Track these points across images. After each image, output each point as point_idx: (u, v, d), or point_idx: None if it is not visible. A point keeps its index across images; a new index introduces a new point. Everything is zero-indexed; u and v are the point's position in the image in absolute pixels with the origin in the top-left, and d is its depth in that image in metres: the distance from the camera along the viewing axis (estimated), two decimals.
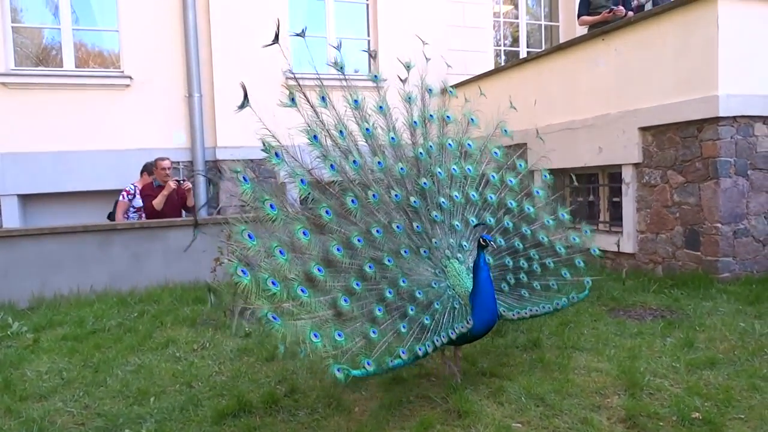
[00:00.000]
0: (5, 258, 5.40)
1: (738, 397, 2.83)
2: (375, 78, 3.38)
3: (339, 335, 2.57)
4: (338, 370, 2.43)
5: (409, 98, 3.40)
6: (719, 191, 4.91)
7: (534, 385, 3.03)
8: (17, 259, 5.42)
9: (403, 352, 2.66)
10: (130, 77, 7.65)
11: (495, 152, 3.57)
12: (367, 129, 3.18)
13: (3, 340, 4.24)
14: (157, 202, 6.46)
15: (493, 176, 3.47)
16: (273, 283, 2.52)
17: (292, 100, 2.94)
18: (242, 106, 2.73)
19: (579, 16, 7.67)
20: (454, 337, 2.86)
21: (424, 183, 3.18)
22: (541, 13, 10.62)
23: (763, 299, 4.30)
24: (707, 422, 2.59)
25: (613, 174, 6.15)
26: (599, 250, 3.78)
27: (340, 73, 3.21)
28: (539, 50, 9.06)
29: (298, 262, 2.70)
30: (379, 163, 3.13)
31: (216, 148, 7.91)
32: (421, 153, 3.27)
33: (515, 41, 10.39)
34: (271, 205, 2.72)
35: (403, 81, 3.41)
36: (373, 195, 3.01)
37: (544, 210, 3.58)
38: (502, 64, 9.43)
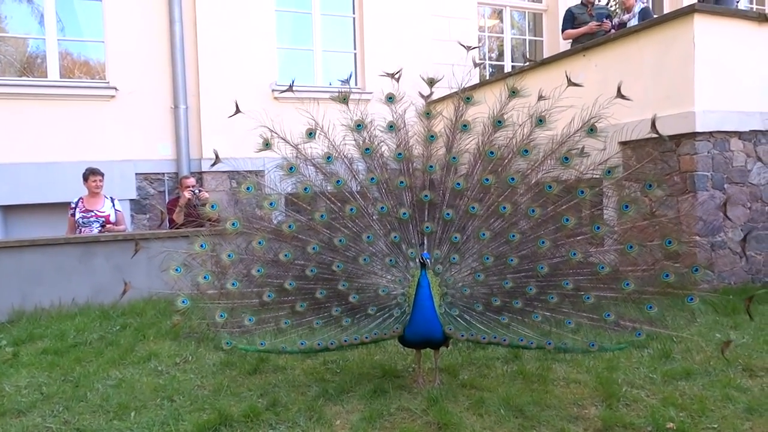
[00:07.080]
0: None
1: (712, 407, 2.89)
2: (390, 99, 3.30)
3: (250, 320, 3.21)
4: (227, 343, 3.20)
5: (428, 114, 3.30)
6: (696, 204, 5.01)
7: (513, 396, 3.07)
8: None
9: (302, 344, 3.17)
10: (116, 88, 7.64)
11: (565, 159, 3.12)
12: (366, 149, 3.28)
13: None
14: (176, 215, 6.49)
15: (550, 187, 3.08)
16: (205, 277, 3.20)
17: (266, 144, 3.33)
18: (234, 114, 3.37)
19: (563, 30, 7.82)
20: (368, 339, 3.15)
21: (425, 196, 3.19)
22: (526, 27, 10.79)
23: (740, 310, 4.36)
24: None
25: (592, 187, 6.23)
26: None
27: (388, 102, 3.30)
28: (523, 64, 9.19)
29: (243, 265, 3.23)
30: (372, 179, 3.27)
31: (201, 159, 7.90)
32: (431, 167, 3.21)
33: (501, 55, 10.54)
34: (233, 223, 3.23)
35: (425, 97, 3.37)
36: (351, 209, 3.23)
37: (634, 233, 3.07)
38: (488, 77, 9.55)
